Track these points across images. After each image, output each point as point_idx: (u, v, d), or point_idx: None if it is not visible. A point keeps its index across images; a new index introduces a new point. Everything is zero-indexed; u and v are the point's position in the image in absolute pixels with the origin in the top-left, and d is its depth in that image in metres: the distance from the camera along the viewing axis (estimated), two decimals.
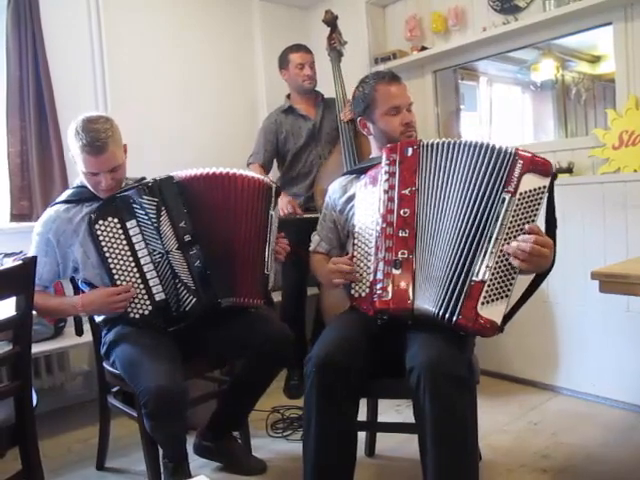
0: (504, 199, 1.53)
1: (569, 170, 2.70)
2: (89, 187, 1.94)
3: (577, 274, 2.53)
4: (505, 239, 1.52)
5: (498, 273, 1.52)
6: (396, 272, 1.63)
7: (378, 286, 1.65)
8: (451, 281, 1.56)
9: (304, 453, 1.65)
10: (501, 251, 1.52)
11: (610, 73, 2.75)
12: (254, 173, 2.11)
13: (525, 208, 1.52)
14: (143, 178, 2.04)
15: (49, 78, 2.81)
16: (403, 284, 1.62)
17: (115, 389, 2.15)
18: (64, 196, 2.01)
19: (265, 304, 2.05)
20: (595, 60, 3.26)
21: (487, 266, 1.51)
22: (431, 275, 1.61)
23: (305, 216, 2.81)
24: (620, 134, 2.53)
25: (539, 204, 1.53)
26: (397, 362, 1.64)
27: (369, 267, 1.73)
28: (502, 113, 3.77)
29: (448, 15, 3.15)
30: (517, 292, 1.62)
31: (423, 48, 3.24)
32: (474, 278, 1.52)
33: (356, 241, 1.81)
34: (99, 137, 1.82)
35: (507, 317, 1.56)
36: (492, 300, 1.51)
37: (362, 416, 2.08)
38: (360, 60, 3.40)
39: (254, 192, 2.03)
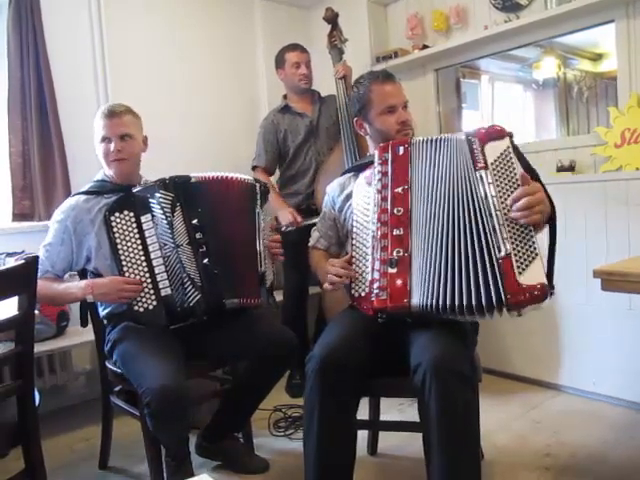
0: (481, 176, 1.56)
1: (571, 168, 2.70)
2: (105, 168, 2.06)
3: (579, 272, 2.52)
4: (504, 207, 1.52)
5: (517, 239, 1.51)
6: (392, 271, 1.63)
7: (375, 285, 1.65)
8: (476, 269, 1.52)
9: (305, 452, 1.65)
10: (506, 219, 1.52)
11: (612, 71, 2.75)
12: (241, 175, 2.13)
13: (503, 172, 1.55)
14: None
15: (50, 78, 2.81)
16: (399, 282, 1.61)
17: (118, 388, 2.16)
18: (85, 187, 2.10)
19: (263, 303, 2.06)
20: (597, 58, 3.25)
21: (504, 239, 1.50)
22: (436, 270, 1.58)
23: (306, 223, 2.80)
24: (622, 132, 2.53)
25: (512, 162, 1.56)
26: (398, 361, 1.65)
27: (367, 267, 1.73)
28: (504, 111, 3.77)
29: (449, 13, 3.15)
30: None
31: (424, 46, 3.24)
32: (499, 255, 1.50)
33: (354, 241, 1.82)
34: (118, 106, 2.05)
35: (549, 275, 1.53)
36: (526, 265, 1.49)
37: (364, 415, 2.09)
38: (361, 59, 3.39)
39: (243, 193, 2.08)
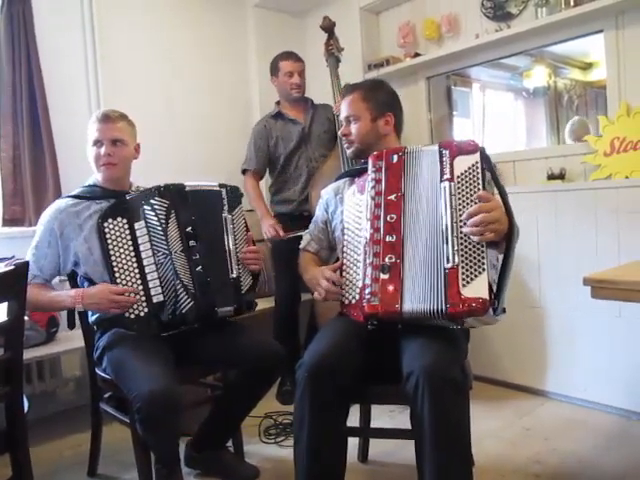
0: (444, 187, 1.59)
1: (561, 176, 2.72)
2: (95, 172, 2.04)
3: (569, 280, 2.54)
4: (460, 221, 1.55)
5: (467, 253, 1.54)
6: (384, 277, 1.64)
7: (367, 291, 1.66)
8: (431, 277, 1.57)
9: (295, 458, 1.64)
10: (461, 232, 1.55)
11: (602, 80, 2.78)
12: (207, 182, 2.12)
13: (466, 187, 1.58)
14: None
15: (42, 83, 2.80)
16: (391, 288, 1.62)
17: (107, 395, 2.14)
18: (75, 191, 2.08)
19: (236, 311, 2.06)
20: (587, 67, 3.29)
21: (454, 250, 1.54)
22: (417, 276, 1.61)
23: (290, 236, 2.78)
24: (612, 141, 2.55)
25: (478, 178, 1.58)
26: (389, 368, 1.65)
27: (358, 274, 1.74)
28: (495, 119, 3.79)
29: (441, 22, 3.18)
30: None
31: (416, 54, 3.26)
32: (446, 266, 1.54)
33: (345, 249, 1.82)
34: (112, 111, 2.06)
35: (498, 291, 1.54)
36: (471, 279, 1.52)
37: (355, 421, 2.09)
38: (353, 66, 3.40)
39: (215, 200, 2.08)
